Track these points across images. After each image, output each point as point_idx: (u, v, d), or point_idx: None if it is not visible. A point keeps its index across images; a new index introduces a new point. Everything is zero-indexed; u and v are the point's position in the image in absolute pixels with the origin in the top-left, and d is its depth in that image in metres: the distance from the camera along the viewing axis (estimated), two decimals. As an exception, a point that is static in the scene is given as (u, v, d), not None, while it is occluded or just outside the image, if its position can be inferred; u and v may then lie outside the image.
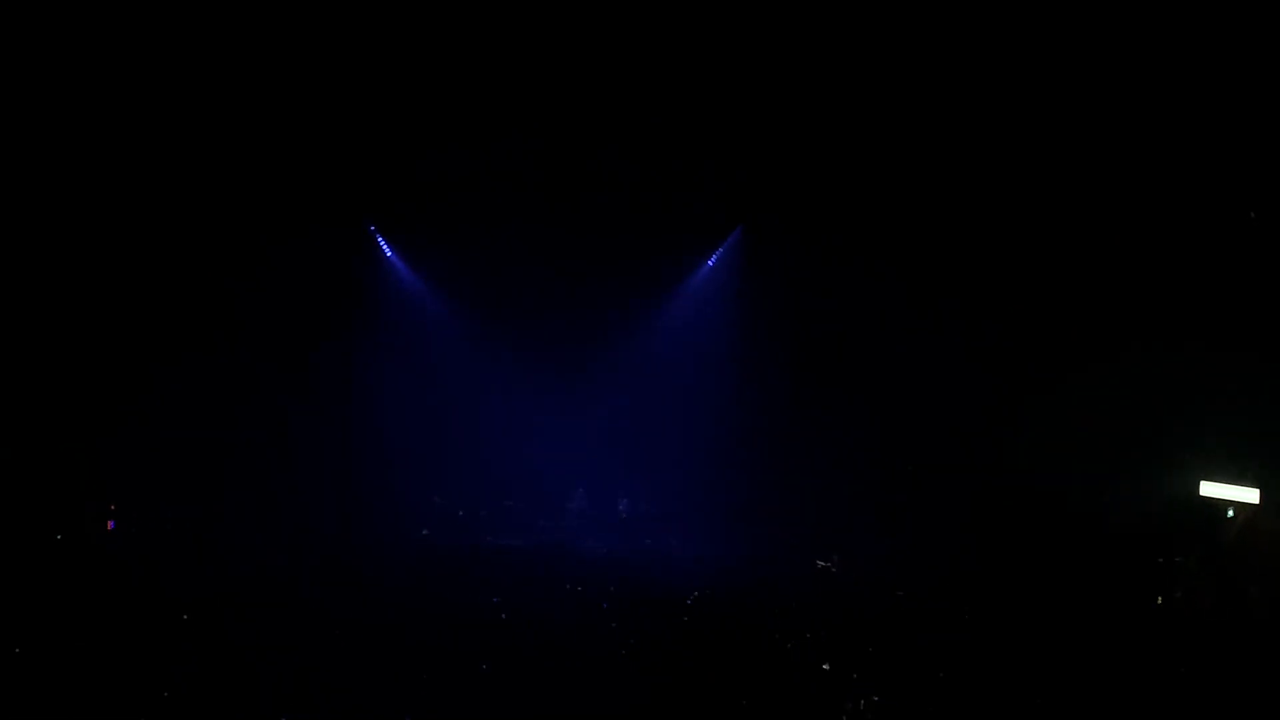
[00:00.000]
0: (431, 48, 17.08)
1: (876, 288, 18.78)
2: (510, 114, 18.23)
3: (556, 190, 19.46)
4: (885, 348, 19.05)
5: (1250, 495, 15.62)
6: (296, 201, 18.99)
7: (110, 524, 17.65)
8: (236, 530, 17.54)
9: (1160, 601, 15.14)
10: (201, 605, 12.11)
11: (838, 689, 9.86)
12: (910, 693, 9.76)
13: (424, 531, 19.67)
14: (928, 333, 18.53)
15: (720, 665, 10.61)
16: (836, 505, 19.09)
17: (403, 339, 20.76)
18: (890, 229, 18.51)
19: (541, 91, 17.91)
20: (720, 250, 20.93)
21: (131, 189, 18.01)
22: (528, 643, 11.20)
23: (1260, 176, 15.17)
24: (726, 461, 19.93)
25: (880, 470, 18.94)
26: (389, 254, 20.89)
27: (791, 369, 19.83)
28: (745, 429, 19.92)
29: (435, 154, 18.90)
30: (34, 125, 16.65)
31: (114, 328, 18.39)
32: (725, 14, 16.40)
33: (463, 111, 18.19)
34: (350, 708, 8.67)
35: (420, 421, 20.48)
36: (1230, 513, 16.19)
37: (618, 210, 19.66)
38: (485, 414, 20.93)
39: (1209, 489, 16.37)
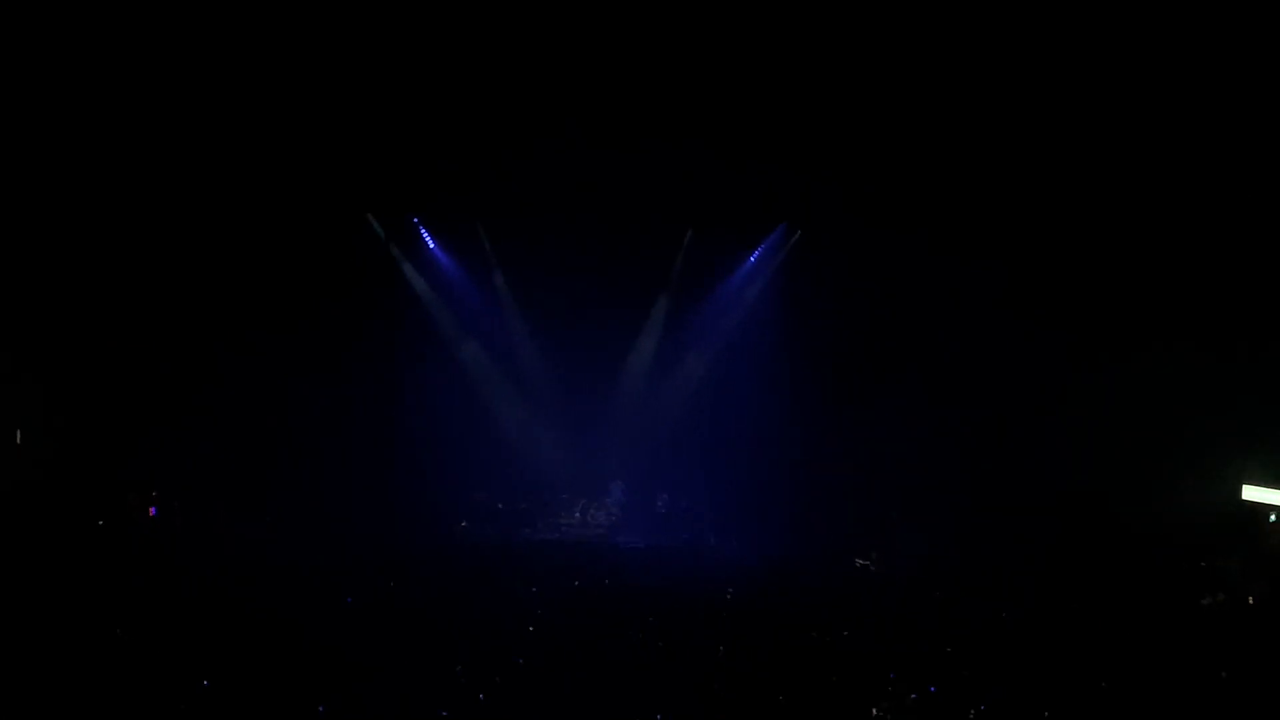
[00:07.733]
0: (480, 45, 17.06)
1: (917, 282, 18.69)
2: (551, 106, 18.13)
3: (598, 184, 19.29)
4: (925, 345, 18.94)
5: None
6: (338, 196, 19.17)
7: (152, 510, 17.91)
8: (274, 521, 17.75)
9: (1204, 604, 14.99)
10: (235, 594, 12.26)
11: (872, 687, 9.85)
12: (945, 692, 9.73)
13: (463, 524, 19.76)
14: (968, 331, 18.39)
15: (755, 662, 10.61)
16: (876, 503, 19.02)
17: (443, 332, 20.92)
18: (931, 223, 18.33)
19: (584, 85, 17.83)
20: (761, 248, 20.95)
21: (178, 188, 18.33)
22: (563, 638, 11.23)
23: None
24: (766, 457, 19.85)
25: (920, 470, 18.86)
26: (431, 245, 20.95)
27: (831, 363, 19.74)
28: (784, 424, 19.84)
29: (477, 147, 18.82)
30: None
31: (157, 323, 18.71)
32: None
33: (506, 102, 18.16)
34: (385, 702, 8.73)
35: (462, 415, 20.56)
36: (1273, 517, 16.06)
37: (658, 204, 19.60)
38: (526, 407, 21.06)
39: (1251, 493, 16.24)
